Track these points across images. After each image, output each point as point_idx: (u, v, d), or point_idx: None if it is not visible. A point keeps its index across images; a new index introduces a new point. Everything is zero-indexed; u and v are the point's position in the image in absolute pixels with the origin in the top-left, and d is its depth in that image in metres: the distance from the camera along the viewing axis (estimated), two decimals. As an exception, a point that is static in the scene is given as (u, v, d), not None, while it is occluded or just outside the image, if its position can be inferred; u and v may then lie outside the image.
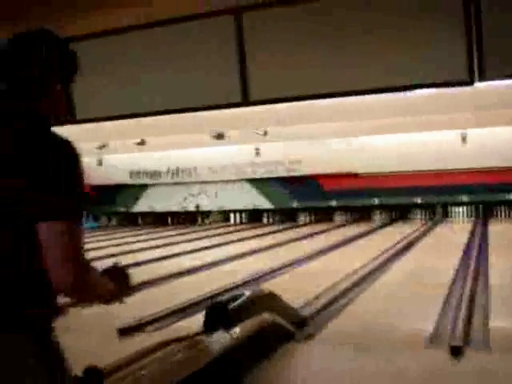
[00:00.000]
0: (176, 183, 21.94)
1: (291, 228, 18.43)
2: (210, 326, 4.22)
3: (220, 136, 14.91)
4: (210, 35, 4.66)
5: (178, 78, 4.90)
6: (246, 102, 4.54)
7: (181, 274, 9.55)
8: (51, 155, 1.69)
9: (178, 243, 14.89)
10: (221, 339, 4.17)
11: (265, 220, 21.27)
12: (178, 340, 4.01)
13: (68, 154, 1.73)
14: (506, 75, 4.25)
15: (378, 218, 20.11)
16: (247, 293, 4.71)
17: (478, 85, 8.46)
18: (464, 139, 17.28)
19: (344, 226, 18.69)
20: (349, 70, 4.37)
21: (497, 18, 4.03)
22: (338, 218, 20.46)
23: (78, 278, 1.67)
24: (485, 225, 16.78)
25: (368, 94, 4.65)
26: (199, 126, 13.19)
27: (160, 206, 22.35)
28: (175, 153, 20.12)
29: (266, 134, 14.78)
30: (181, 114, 10.04)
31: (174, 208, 22.35)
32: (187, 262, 11.07)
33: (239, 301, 4.48)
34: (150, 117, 5.28)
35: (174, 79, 4.91)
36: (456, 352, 4.71)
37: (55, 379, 1.68)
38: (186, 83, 4.87)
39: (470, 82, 4.08)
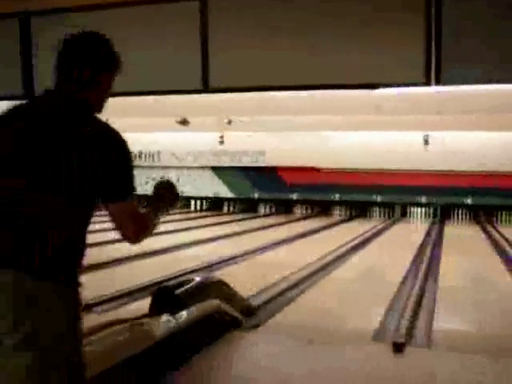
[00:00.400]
0: (138, 166, 21.72)
1: (251, 218, 18.46)
2: (155, 310, 4.22)
3: (185, 122, 14.81)
4: (174, 19, 4.62)
5: (140, 61, 4.85)
6: (206, 88, 4.52)
7: (135, 257, 9.51)
8: (118, 147, 2.17)
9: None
10: (165, 323, 4.17)
11: (225, 209, 21.27)
12: (122, 322, 3.99)
13: (124, 142, 2.18)
14: (463, 79, 4.30)
15: (337, 213, 20.26)
16: (196, 279, 4.71)
17: (443, 88, 8.56)
18: (426, 141, 17.47)
19: (303, 219, 18.79)
20: (311, 64, 4.38)
21: (457, 21, 4.08)
22: (298, 211, 20.58)
23: (140, 235, 2.31)
24: (441, 227, 17.02)
25: (328, 88, 4.68)
26: (163, 111, 13.10)
27: (121, 189, 22.14)
28: (138, 136, 19.96)
29: (230, 122, 14.75)
30: (145, 98, 10.02)
31: (136, 191, 22.15)
32: (142, 246, 11.00)
33: (187, 286, 4.48)
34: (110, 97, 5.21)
35: (136, 61, 4.86)
36: (398, 349, 4.78)
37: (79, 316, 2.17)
38: (148, 66, 4.83)
39: (427, 84, 4.13)
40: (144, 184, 21.92)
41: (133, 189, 2.22)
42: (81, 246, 2.21)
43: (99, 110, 2.25)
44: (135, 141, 17.76)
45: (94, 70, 2.22)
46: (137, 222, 2.28)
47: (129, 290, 6.70)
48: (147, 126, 16.58)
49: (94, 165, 2.07)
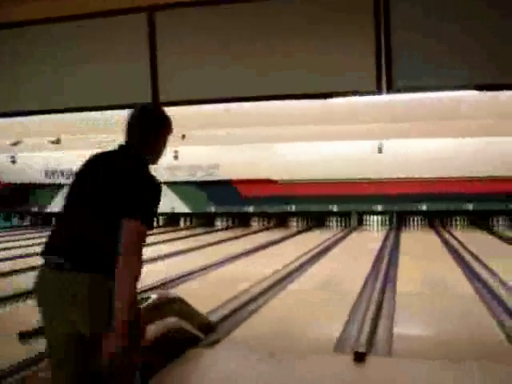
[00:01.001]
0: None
1: (208, 232, 18.36)
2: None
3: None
4: (121, 32, 4.56)
5: (89, 76, 4.78)
6: (156, 102, 4.46)
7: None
8: (144, 185, 2.82)
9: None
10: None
11: (182, 224, 21.12)
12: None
13: (153, 185, 2.83)
14: (413, 87, 4.33)
15: (294, 224, 20.30)
16: (153, 296, 4.62)
17: (395, 97, 8.66)
18: (380, 149, 17.63)
19: (261, 231, 18.75)
20: (262, 75, 4.36)
21: (406, 30, 4.10)
22: (255, 223, 20.56)
23: (131, 256, 2.70)
24: (397, 234, 17.18)
25: (280, 99, 4.66)
26: (115, 127, 12.96)
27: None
28: (92, 153, 19.66)
29: (184, 137, 14.65)
30: (98, 115, 9.91)
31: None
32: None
33: (144, 304, 4.38)
34: (55, 114, 5.12)
35: (85, 76, 4.79)
36: (359, 358, 4.77)
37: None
38: (97, 81, 4.76)
39: (378, 93, 4.14)
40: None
41: (139, 212, 2.75)
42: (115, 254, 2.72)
43: (154, 161, 3.05)
44: (80, 158, 17.52)
45: (147, 134, 2.99)
46: (134, 244, 2.74)
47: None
48: (99, 142, 16.36)
49: (129, 197, 2.77)
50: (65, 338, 2.81)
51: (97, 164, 3.01)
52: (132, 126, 3.00)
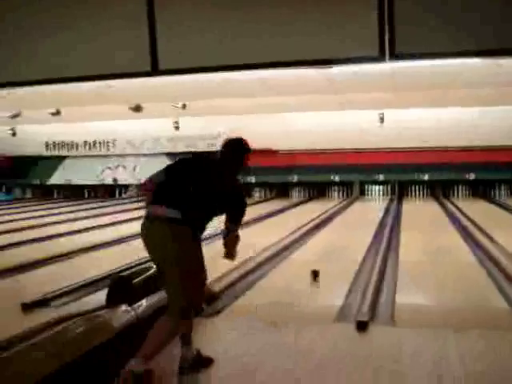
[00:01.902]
0: (93, 156, 21.50)
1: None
2: (112, 301, 4.11)
3: (138, 108, 14.54)
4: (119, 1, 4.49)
5: (87, 45, 4.70)
6: (155, 71, 4.40)
7: (93, 247, 9.37)
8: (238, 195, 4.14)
9: (93, 216, 14.61)
10: (124, 314, 4.07)
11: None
12: (80, 315, 3.89)
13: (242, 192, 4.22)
14: (417, 53, 4.26)
15: (296, 194, 20.29)
16: (154, 267, 4.60)
17: (397, 65, 8.55)
18: (381, 119, 17.53)
19: (262, 202, 18.75)
20: (261, 42, 4.29)
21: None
22: (257, 194, 20.55)
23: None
24: (399, 203, 17.18)
25: (280, 66, 4.60)
26: (116, 98, 12.88)
27: (76, 179, 21.90)
28: (93, 124, 19.61)
29: (184, 107, 14.54)
30: (98, 85, 9.81)
31: (91, 181, 21.94)
32: (101, 235, 10.86)
33: (144, 276, 4.38)
34: (55, 84, 5.04)
35: (83, 46, 4.72)
36: (362, 327, 4.77)
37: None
38: (95, 50, 4.69)
39: (381, 60, 4.07)
40: (100, 173, 21.79)
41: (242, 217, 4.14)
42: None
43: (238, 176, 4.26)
44: (88, 130, 17.50)
45: (240, 166, 4.17)
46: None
47: (86, 282, 6.55)
48: (100, 114, 16.29)
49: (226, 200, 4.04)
50: None
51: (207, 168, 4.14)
52: (231, 158, 4.14)
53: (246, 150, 4.19)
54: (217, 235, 10.06)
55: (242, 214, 4.10)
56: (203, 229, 3.95)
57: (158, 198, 3.91)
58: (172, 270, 3.73)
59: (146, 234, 3.88)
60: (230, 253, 4.12)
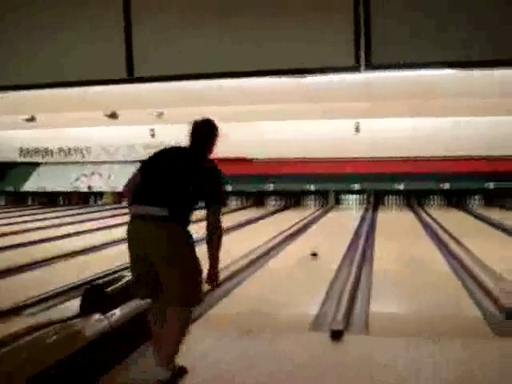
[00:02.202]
0: (68, 162, 21.35)
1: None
2: (86, 310, 4.07)
3: (114, 115, 14.47)
4: (95, 4, 4.46)
5: (62, 51, 4.67)
6: (131, 77, 4.38)
7: (66, 256, 9.28)
8: (214, 175, 3.99)
9: (66, 224, 14.48)
10: (97, 323, 4.03)
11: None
12: (52, 323, 3.84)
13: (219, 173, 4.01)
14: (392, 63, 4.29)
15: (271, 203, 20.31)
16: (128, 275, 4.57)
17: (372, 75, 8.62)
18: (357, 129, 17.63)
19: (238, 210, 18.72)
20: (238, 50, 4.29)
21: (384, 3, 4.06)
22: (233, 202, 20.52)
23: (220, 228, 3.98)
24: (374, 212, 17.26)
25: (257, 75, 4.59)
26: (91, 105, 12.81)
27: (51, 186, 21.71)
28: (68, 131, 19.45)
29: (161, 115, 14.50)
30: (73, 92, 9.76)
31: (66, 188, 21.76)
32: (74, 243, 10.76)
33: (118, 284, 4.34)
34: (29, 90, 5.00)
35: (58, 52, 4.68)
36: (336, 336, 4.77)
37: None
38: (71, 56, 4.65)
39: (356, 69, 4.09)
40: (75, 181, 21.61)
41: (221, 200, 4.05)
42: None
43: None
44: (64, 136, 17.37)
45: (210, 144, 4.10)
46: (219, 219, 3.96)
47: (59, 290, 6.48)
48: (76, 120, 16.18)
49: (202, 181, 3.93)
50: None
51: (178, 156, 4.06)
52: (200, 136, 4.08)
53: (213, 127, 4.13)
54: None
55: (219, 197, 4.02)
56: (189, 222, 3.95)
57: (138, 198, 3.92)
58: (172, 270, 3.79)
59: (135, 234, 3.88)
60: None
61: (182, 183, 3.90)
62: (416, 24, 4.15)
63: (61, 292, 6.44)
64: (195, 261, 3.91)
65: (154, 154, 4.14)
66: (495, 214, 15.61)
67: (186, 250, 3.89)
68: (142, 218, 3.85)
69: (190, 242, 3.91)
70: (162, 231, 3.79)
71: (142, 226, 3.85)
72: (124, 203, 20.96)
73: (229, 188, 19.73)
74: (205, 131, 4.10)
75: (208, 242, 3.96)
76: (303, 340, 4.86)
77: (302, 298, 6.57)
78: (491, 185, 18.70)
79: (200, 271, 3.95)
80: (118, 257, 8.82)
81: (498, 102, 13.49)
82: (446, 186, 18.91)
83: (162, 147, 4.16)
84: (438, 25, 4.13)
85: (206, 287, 4.05)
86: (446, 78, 10.27)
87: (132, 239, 3.92)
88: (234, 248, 9.51)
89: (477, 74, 9.56)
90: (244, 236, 12.18)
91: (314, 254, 6.47)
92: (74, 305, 5.10)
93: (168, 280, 3.80)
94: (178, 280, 3.79)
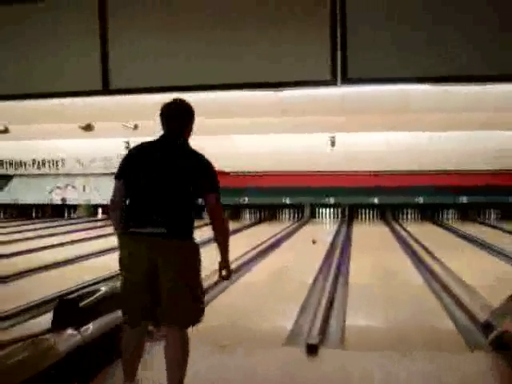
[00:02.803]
0: (42, 175, 21.14)
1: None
2: (58, 324, 4.00)
3: (88, 127, 14.36)
4: (70, 15, 4.42)
5: (37, 62, 4.62)
6: (106, 90, 4.35)
7: (39, 269, 9.17)
8: (204, 161, 3.74)
9: (40, 237, 14.32)
10: (70, 338, 3.97)
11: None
12: (23, 339, 3.77)
13: (205, 158, 3.75)
14: (368, 78, 4.31)
15: (247, 216, 20.28)
16: (102, 289, 4.52)
17: (348, 89, 8.66)
18: (333, 143, 17.70)
19: (213, 223, 18.60)
20: (213, 63, 4.29)
21: (362, 18, 4.09)
22: (207, 216, 20.40)
23: (220, 213, 3.78)
24: (349, 226, 17.31)
25: (232, 88, 4.59)
26: (66, 116, 12.69)
27: (24, 199, 21.47)
28: (41, 143, 19.27)
29: (136, 127, 14.42)
30: (48, 103, 9.65)
31: (40, 201, 21.54)
32: (47, 257, 10.64)
33: (91, 298, 4.29)
34: (3, 101, 4.94)
35: (33, 62, 4.64)
36: (312, 350, 4.75)
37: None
38: (46, 68, 4.61)
39: (333, 83, 4.10)
40: (49, 193, 21.41)
41: (216, 187, 3.74)
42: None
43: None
44: (38, 148, 17.19)
45: (186, 124, 3.74)
46: (218, 205, 3.75)
47: (31, 304, 6.39)
48: (50, 132, 16.03)
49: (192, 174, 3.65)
50: None
51: (159, 155, 3.66)
52: (174, 120, 3.68)
53: (187, 108, 3.73)
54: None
55: (214, 183, 3.70)
56: (193, 228, 3.70)
57: (133, 219, 3.60)
58: (180, 288, 3.59)
59: (136, 253, 3.57)
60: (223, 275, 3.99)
61: (181, 185, 3.59)
62: (392, 39, 4.19)
63: (32, 306, 6.34)
64: (200, 277, 3.78)
65: (130, 156, 3.75)
66: (469, 228, 15.76)
67: (195, 266, 3.71)
68: (141, 235, 3.55)
69: (198, 257, 3.74)
70: (168, 246, 3.54)
71: (143, 243, 3.55)
72: (101, 218, 20.83)
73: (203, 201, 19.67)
74: (179, 114, 3.70)
75: (216, 232, 3.81)
76: (278, 354, 4.83)
77: (278, 312, 6.54)
78: (464, 199, 18.91)
79: (203, 290, 3.86)
80: (93, 270, 8.78)
81: (471, 116, 13.63)
82: (420, 200, 19.07)
83: (134, 148, 3.81)
84: (414, 40, 4.16)
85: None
86: (420, 92, 10.36)
87: (131, 259, 3.60)
88: (208, 262, 9.46)
89: (451, 89, 9.66)
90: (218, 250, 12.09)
91: (314, 242, 6.50)
92: (45, 319, 5.04)
93: (174, 298, 3.58)
94: (186, 299, 3.63)
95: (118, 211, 3.69)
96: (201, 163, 3.69)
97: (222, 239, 3.86)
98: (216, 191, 3.71)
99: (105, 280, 7.50)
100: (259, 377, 4.31)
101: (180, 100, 3.74)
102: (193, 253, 3.71)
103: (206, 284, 7.27)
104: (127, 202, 3.68)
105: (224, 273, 3.95)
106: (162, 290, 3.56)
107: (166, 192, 3.58)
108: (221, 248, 3.88)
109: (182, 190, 3.60)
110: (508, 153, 17.39)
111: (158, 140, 3.73)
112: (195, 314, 3.76)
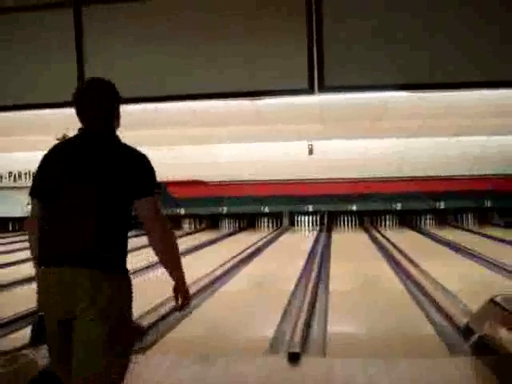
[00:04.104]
0: (18, 187, 20.95)
1: (137, 236, 18.05)
2: (37, 339, 3.95)
3: (64, 139, 14.23)
4: (47, 28, 4.40)
5: (13, 74, 4.59)
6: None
7: (17, 283, 9.06)
8: (137, 158, 2.81)
9: (17, 251, 14.16)
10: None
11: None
12: (2, 354, 3.72)
13: (144, 157, 2.83)
14: (345, 86, 4.33)
15: (226, 226, 20.25)
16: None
17: (325, 97, 8.70)
18: (310, 150, 17.74)
19: (192, 233, 18.60)
20: (192, 73, 4.29)
21: (338, 27, 4.11)
22: (187, 225, 20.40)
23: (161, 224, 2.77)
24: (328, 233, 17.35)
25: (211, 98, 4.60)
26: (42, 128, 12.61)
27: (1, 211, 21.25)
28: (18, 155, 19.11)
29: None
30: (23, 115, 9.58)
31: (16, 213, 21.32)
32: (24, 271, 10.51)
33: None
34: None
35: (9, 74, 4.60)
36: (294, 358, 4.74)
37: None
38: (21, 78, 4.58)
39: (310, 91, 4.12)
40: (25, 206, 21.21)
41: (152, 189, 2.75)
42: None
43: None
44: (14, 161, 17.04)
45: (111, 109, 2.84)
46: (158, 213, 2.77)
47: (9, 319, 6.31)
48: (26, 144, 15.91)
49: (123, 176, 2.72)
50: None
51: (78, 158, 2.75)
52: (93, 104, 2.77)
53: (109, 88, 2.85)
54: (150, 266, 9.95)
55: (151, 183, 2.76)
56: (125, 250, 2.85)
57: (44, 253, 2.77)
58: (96, 335, 2.61)
59: (53, 287, 2.69)
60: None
61: (108, 196, 2.68)
62: (368, 47, 4.22)
63: (11, 321, 6.27)
64: (129, 329, 2.80)
65: (42, 164, 2.83)
66: (447, 233, 15.88)
67: (123, 307, 2.73)
68: (59, 264, 2.67)
69: (130, 293, 2.79)
70: (88, 285, 2.62)
71: (56, 283, 2.67)
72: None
73: (182, 211, 19.64)
74: (100, 96, 2.79)
75: (157, 249, 2.82)
76: (260, 363, 4.81)
77: (259, 321, 6.53)
78: (442, 204, 19.07)
79: (132, 343, 2.96)
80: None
81: (448, 123, 13.77)
82: (398, 206, 19.18)
83: (48, 152, 2.85)
84: (389, 48, 4.20)
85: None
86: (396, 99, 10.43)
87: (45, 302, 2.78)
88: (189, 272, 9.41)
89: (426, 95, 9.74)
90: (199, 259, 12.09)
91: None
92: (24, 334, 4.98)
93: (86, 350, 2.61)
94: (102, 357, 2.62)
95: (33, 235, 2.90)
96: (133, 159, 2.76)
97: (168, 258, 2.88)
98: (154, 194, 2.74)
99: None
100: (242, 386, 4.29)
101: (97, 79, 2.85)
102: (122, 292, 2.75)
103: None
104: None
105: (180, 300, 2.96)
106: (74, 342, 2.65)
107: (86, 209, 2.67)
108: (170, 269, 2.91)
109: (109, 202, 2.70)
110: (485, 158, 17.57)
111: (76, 136, 2.81)
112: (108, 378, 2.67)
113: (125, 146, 2.80)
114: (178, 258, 2.92)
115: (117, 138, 2.82)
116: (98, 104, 2.77)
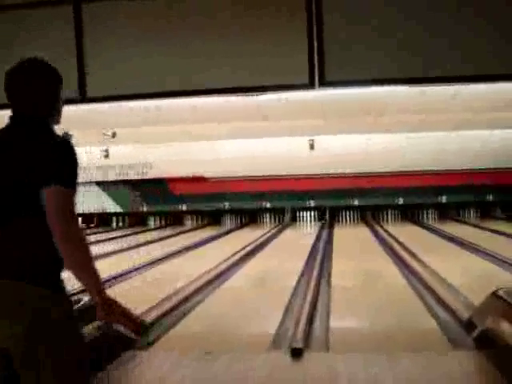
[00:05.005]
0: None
1: (141, 232, 18.11)
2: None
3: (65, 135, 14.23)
4: (47, 25, 4.40)
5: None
6: (84, 98, 4.32)
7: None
8: (55, 149, 2.26)
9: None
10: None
11: (114, 224, 20.77)
12: None
13: (64, 145, 2.27)
14: (346, 80, 4.33)
15: (228, 221, 20.26)
16: (84, 299, 4.48)
17: (326, 92, 8.69)
18: (312, 146, 17.73)
19: (194, 230, 18.62)
20: (192, 69, 4.29)
21: (338, 22, 4.11)
22: (189, 222, 20.42)
23: (64, 220, 2.20)
24: (330, 229, 17.34)
25: (212, 93, 4.60)
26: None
27: None
28: None
29: (114, 135, 14.35)
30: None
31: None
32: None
33: (78, 305, 4.25)
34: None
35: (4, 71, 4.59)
36: (296, 354, 4.74)
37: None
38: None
39: (311, 86, 4.12)
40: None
41: (56, 178, 2.21)
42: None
43: (58, 121, 2.47)
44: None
45: (45, 92, 2.43)
46: (61, 207, 2.22)
47: None
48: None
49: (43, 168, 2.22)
50: None
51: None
52: (20, 88, 2.38)
53: (40, 69, 2.45)
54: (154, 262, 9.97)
55: (59, 171, 2.21)
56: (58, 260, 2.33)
57: None
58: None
59: None
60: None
61: (23, 196, 2.24)
62: (369, 42, 4.21)
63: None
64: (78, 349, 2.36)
65: None
66: (449, 228, 15.87)
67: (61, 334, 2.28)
68: None
69: (68, 314, 2.41)
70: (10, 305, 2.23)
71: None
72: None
73: (184, 207, 19.66)
74: (27, 79, 2.39)
75: (62, 250, 2.27)
76: (263, 359, 4.82)
77: (261, 317, 6.53)
78: (444, 198, 19.06)
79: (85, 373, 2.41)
80: (73, 279, 8.70)
81: (449, 117, 13.76)
82: (400, 200, 19.18)
83: None
84: (390, 42, 4.19)
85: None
86: (397, 94, 10.41)
87: None
88: (192, 268, 9.44)
89: (427, 90, 9.73)
90: (201, 255, 12.09)
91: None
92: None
93: None
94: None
95: None
96: (46, 146, 2.27)
97: (71, 263, 2.36)
98: (62, 184, 2.21)
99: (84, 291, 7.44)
100: (245, 382, 4.29)
101: (29, 59, 2.44)
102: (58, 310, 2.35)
103: (186, 292, 7.38)
104: None
105: (100, 313, 2.36)
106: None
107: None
108: (78, 278, 2.42)
109: (26, 202, 2.25)
110: (486, 152, 17.56)
111: (5, 126, 2.42)
112: None
113: (49, 133, 2.34)
114: (87, 263, 2.35)
115: (48, 128, 2.36)
116: (25, 88, 2.37)
